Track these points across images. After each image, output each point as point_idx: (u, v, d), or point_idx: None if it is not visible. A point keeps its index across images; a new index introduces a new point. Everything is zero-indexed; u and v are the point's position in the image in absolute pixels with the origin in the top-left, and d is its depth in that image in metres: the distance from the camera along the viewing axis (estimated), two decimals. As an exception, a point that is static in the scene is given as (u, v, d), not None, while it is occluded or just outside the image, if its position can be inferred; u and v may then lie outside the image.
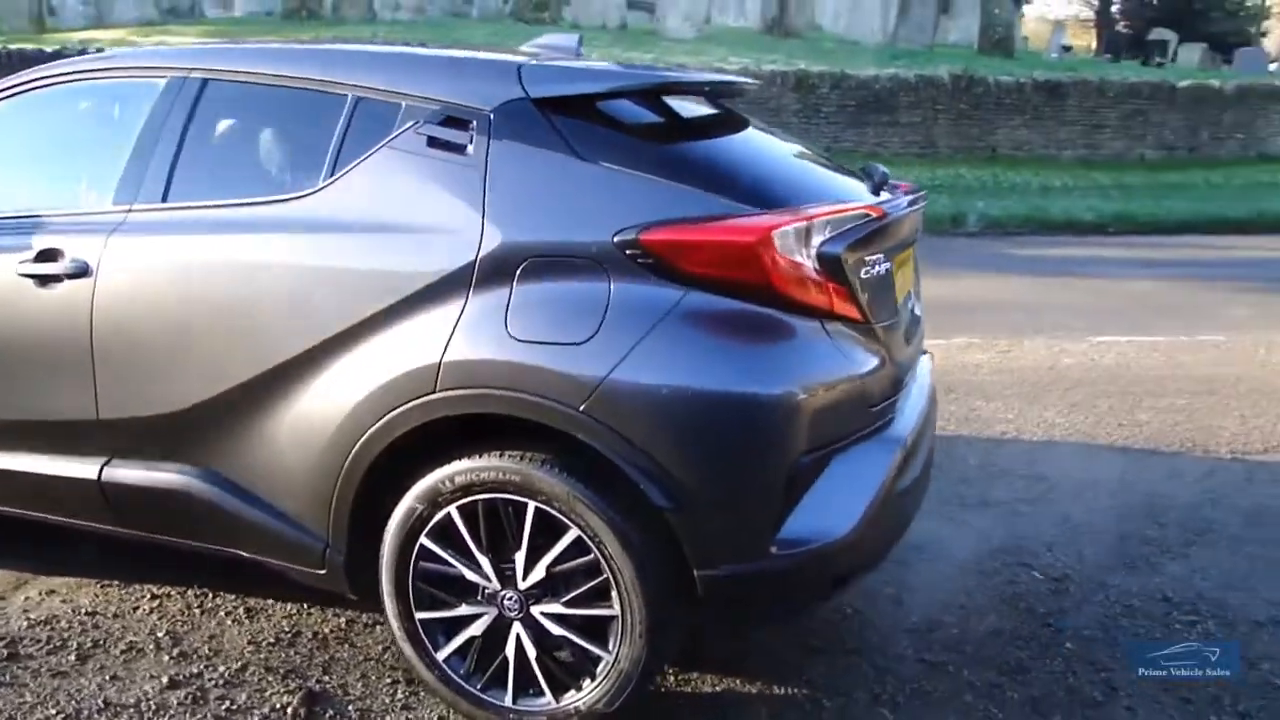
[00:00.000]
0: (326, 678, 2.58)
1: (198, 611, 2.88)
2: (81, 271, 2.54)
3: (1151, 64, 20.40)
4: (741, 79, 2.76)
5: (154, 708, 2.43)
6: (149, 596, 2.95)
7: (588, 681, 2.27)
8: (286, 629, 2.80)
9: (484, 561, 2.28)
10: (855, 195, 2.47)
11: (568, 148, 2.25)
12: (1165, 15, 32.48)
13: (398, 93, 2.38)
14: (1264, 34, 36.65)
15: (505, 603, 2.29)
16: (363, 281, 2.29)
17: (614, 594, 2.18)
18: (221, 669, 2.60)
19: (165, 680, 2.54)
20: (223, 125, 2.68)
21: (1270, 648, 2.83)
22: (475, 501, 2.25)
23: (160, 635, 2.75)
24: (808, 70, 13.70)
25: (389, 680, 2.57)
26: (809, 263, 2.16)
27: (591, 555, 2.18)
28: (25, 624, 2.78)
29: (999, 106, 14.22)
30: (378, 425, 2.25)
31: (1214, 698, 2.60)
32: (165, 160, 2.56)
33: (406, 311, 2.23)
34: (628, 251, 2.12)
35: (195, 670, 2.59)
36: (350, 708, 2.47)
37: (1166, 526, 3.60)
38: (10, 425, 2.74)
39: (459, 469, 2.24)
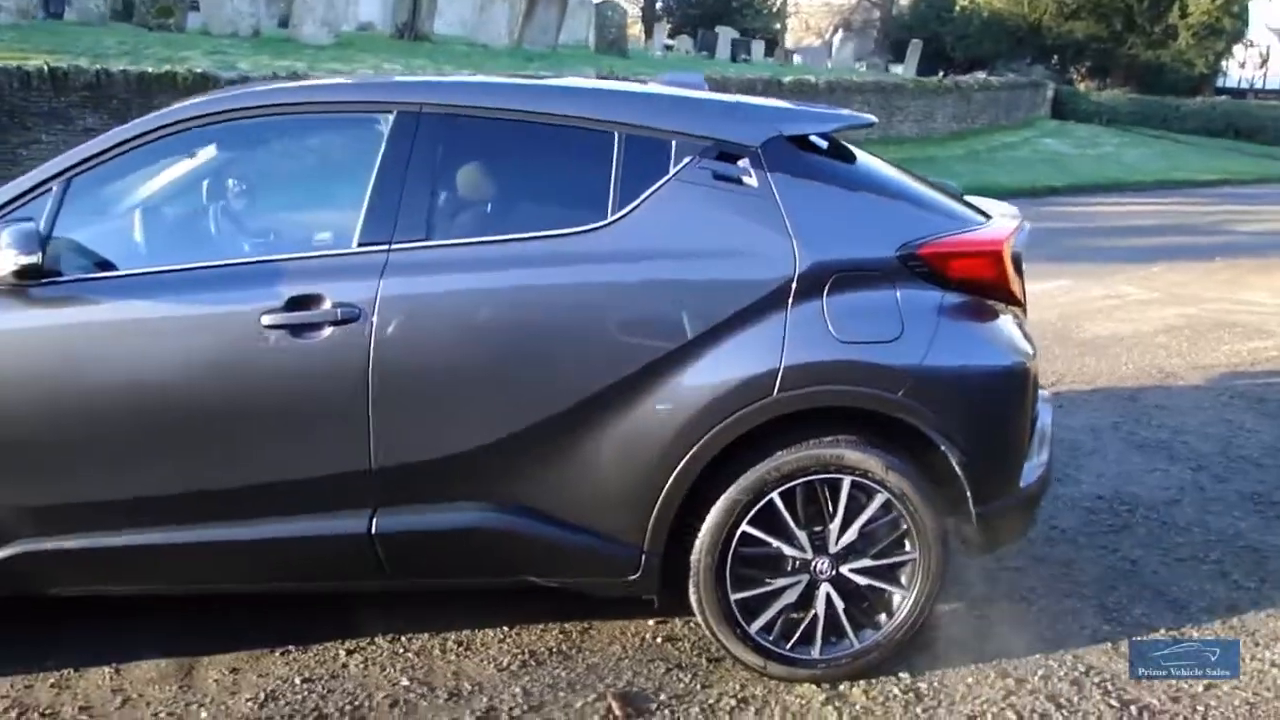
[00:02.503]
0: (612, 680, 2.76)
1: (411, 654, 2.85)
2: (352, 317, 2.46)
3: (740, 60, 23.18)
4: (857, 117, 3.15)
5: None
6: (343, 653, 2.85)
7: (884, 618, 2.75)
8: (513, 652, 2.88)
9: (801, 536, 2.66)
10: (987, 209, 3.11)
11: (826, 177, 2.70)
12: (706, 13, 36.44)
13: (666, 130, 2.64)
14: (782, 30, 42.13)
15: (817, 568, 2.68)
16: (681, 304, 2.54)
17: (913, 541, 2.69)
18: (505, 696, 2.67)
19: (476, 717, 2.58)
20: (474, 160, 2.69)
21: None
22: (795, 485, 2.62)
23: (406, 683, 2.72)
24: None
25: (663, 669, 2.81)
26: (1011, 264, 2.81)
27: (894, 513, 2.66)
28: (254, 707, 2.61)
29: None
30: (713, 432, 2.53)
31: None
32: (420, 197, 2.56)
33: (733, 327, 2.54)
34: (908, 263, 2.63)
35: (485, 703, 2.64)
36: (661, 695, 2.70)
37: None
38: (242, 492, 2.54)
39: (785, 459, 2.60)
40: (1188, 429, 5.06)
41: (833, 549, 2.68)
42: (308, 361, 2.46)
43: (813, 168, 2.71)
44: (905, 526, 2.68)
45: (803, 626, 2.72)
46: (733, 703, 2.69)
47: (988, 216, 2.89)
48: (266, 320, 2.45)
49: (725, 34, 25.36)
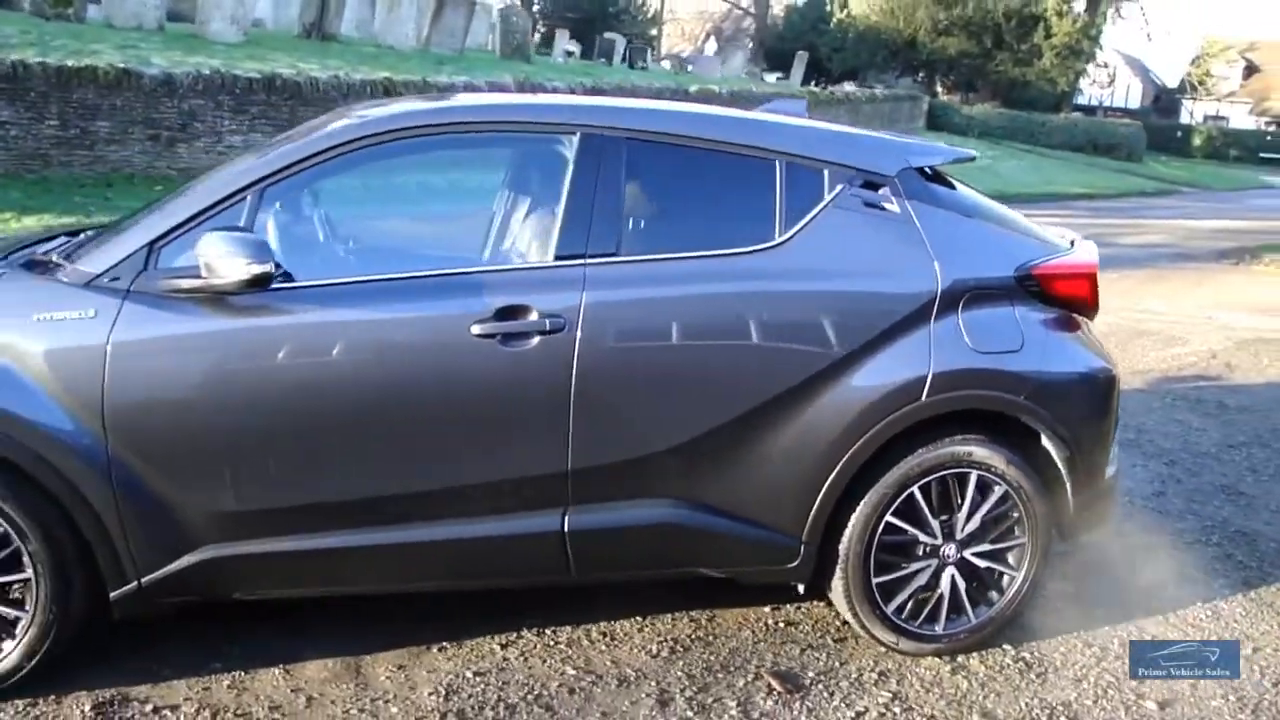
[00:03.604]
0: (756, 662, 3.00)
1: (563, 646, 3.02)
2: (558, 327, 2.62)
3: (638, 67, 23.53)
4: (963, 151, 3.51)
5: (646, 715, 2.70)
6: (497, 647, 2.99)
7: (996, 596, 3.08)
8: (657, 641, 3.08)
9: (934, 525, 2.97)
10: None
11: (949, 204, 3.03)
12: (583, 18, 36.60)
13: (820, 160, 2.91)
14: (659, 37, 42.71)
15: (944, 553, 3.00)
16: (843, 317, 2.81)
17: (1023, 528, 3.03)
18: (670, 680, 2.87)
19: (653, 700, 2.77)
20: (653, 181, 2.87)
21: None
22: (931, 480, 2.93)
23: (572, 672, 2.88)
24: (393, 79, 13.89)
25: (797, 649, 3.07)
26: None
27: (1010, 503, 3.00)
28: (438, 700, 2.72)
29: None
30: (871, 433, 2.81)
31: None
32: (608, 214, 2.73)
33: (887, 339, 2.83)
34: (1023, 282, 2.98)
35: (655, 687, 2.83)
36: (809, 672, 2.95)
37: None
38: (442, 493, 2.66)
39: (925, 457, 2.90)
40: (1148, 429, 5.62)
41: (958, 535, 3.00)
42: (515, 369, 2.61)
43: (937, 195, 3.03)
44: (1018, 515, 3.02)
45: (929, 605, 3.03)
46: (874, 676, 2.97)
47: (1071, 243, 3.26)
48: (476, 330, 2.58)
49: (619, 41, 25.68)
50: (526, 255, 2.81)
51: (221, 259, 2.42)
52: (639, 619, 3.19)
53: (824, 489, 2.83)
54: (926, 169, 3.10)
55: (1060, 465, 3.03)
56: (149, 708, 2.62)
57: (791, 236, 2.83)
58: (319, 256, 2.97)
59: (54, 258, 2.74)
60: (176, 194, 2.85)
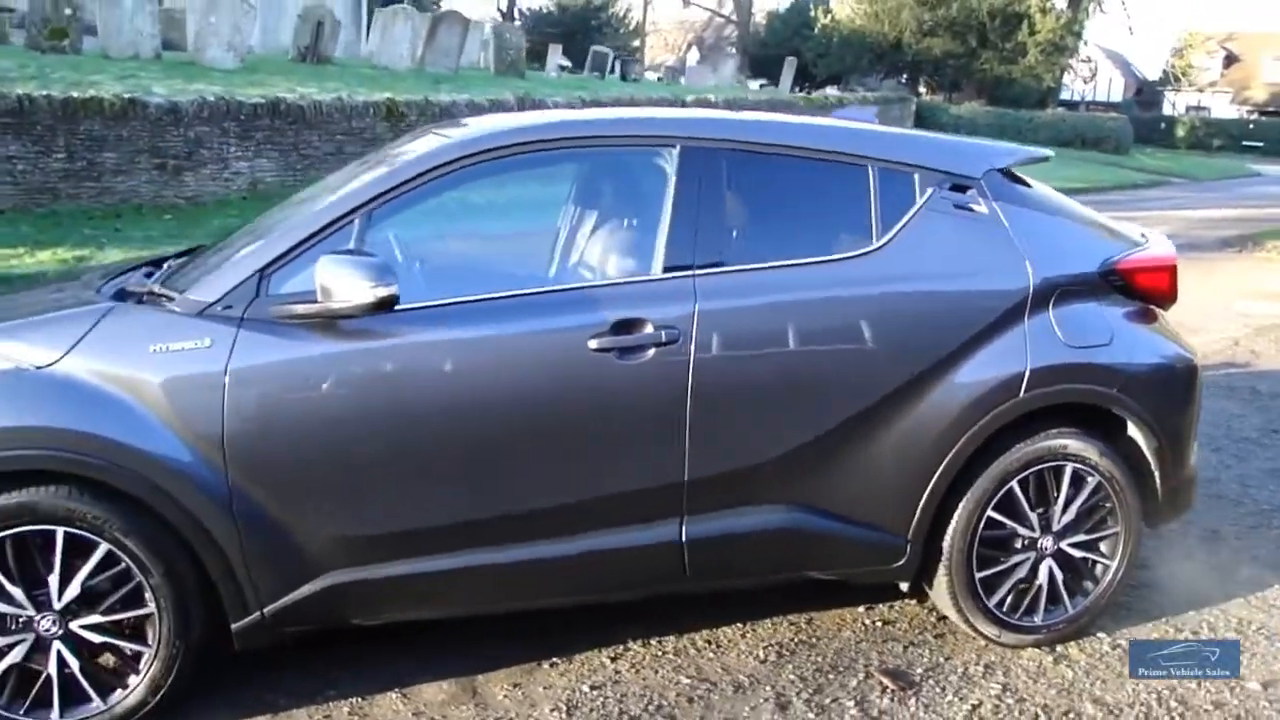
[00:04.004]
0: (862, 662, 3.03)
1: (670, 655, 3.04)
2: (674, 339, 2.65)
3: (630, 79, 23.63)
4: (1039, 151, 3.57)
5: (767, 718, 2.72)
6: (606, 660, 3.00)
7: (1091, 585, 3.12)
8: (761, 646, 3.10)
9: (1032, 518, 3.01)
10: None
11: (1032, 204, 3.08)
12: (565, 31, 36.73)
13: (909, 164, 2.95)
14: (641, 47, 42.87)
15: (1042, 545, 3.03)
16: (942, 318, 2.86)
17: (1115, 518, 3.07)
18: (784, 684, 2.89)
19: (772, 704, 2.80)
20: (752, 190, 2.91)
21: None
22: (1029, 474, 2.97)
23: (686, 681, 2.90)
24: (395, 99, 13.92)
25: (899, 646, 3.10)
26: None
27: (1103, 493, 3.04)
28: (563, 717, 2.74)
29: (559, 127, 15.79)
30: (974, 430, 2.86)
31: None
32: (711, 225, 2.77)
33: (985, 337, 2.87)
34: (1108, 277, 3.04)
35: (771, 691, 2.86)
36: (916, 669, 2.98)
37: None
38: (563, 509, 2.68)
39: (1024, 451, 2.94)
40: (1191, 414, 5.68)
41: (1055, 527, 3.04)
42: (632, 382, 2.64)
43: (1020, 195, 3.08)
44: (1110, 505, 3.06)
45: (1029, 597, 3.06)
46: (980, 669, 3.01)
47: (1143, 236, 3.31)
48: (594, 344, 2.61)
49: (609, 55, 25.78)
50: (632, 268, 2.84)
51: (344, 282, 2.43)
52: (740, 625, 3.21)
53: (929, 487, 2.87)
54: (1008, 170, 3.15)
55: (1149, 455, 3.08)
56: (275, 736, 2.64)
57: (888, 241, 2.88)
58: (426, 276, 2.99)
59: (154, 288, 2.74)
60: (278, 220, 2.88)
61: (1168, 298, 3.20)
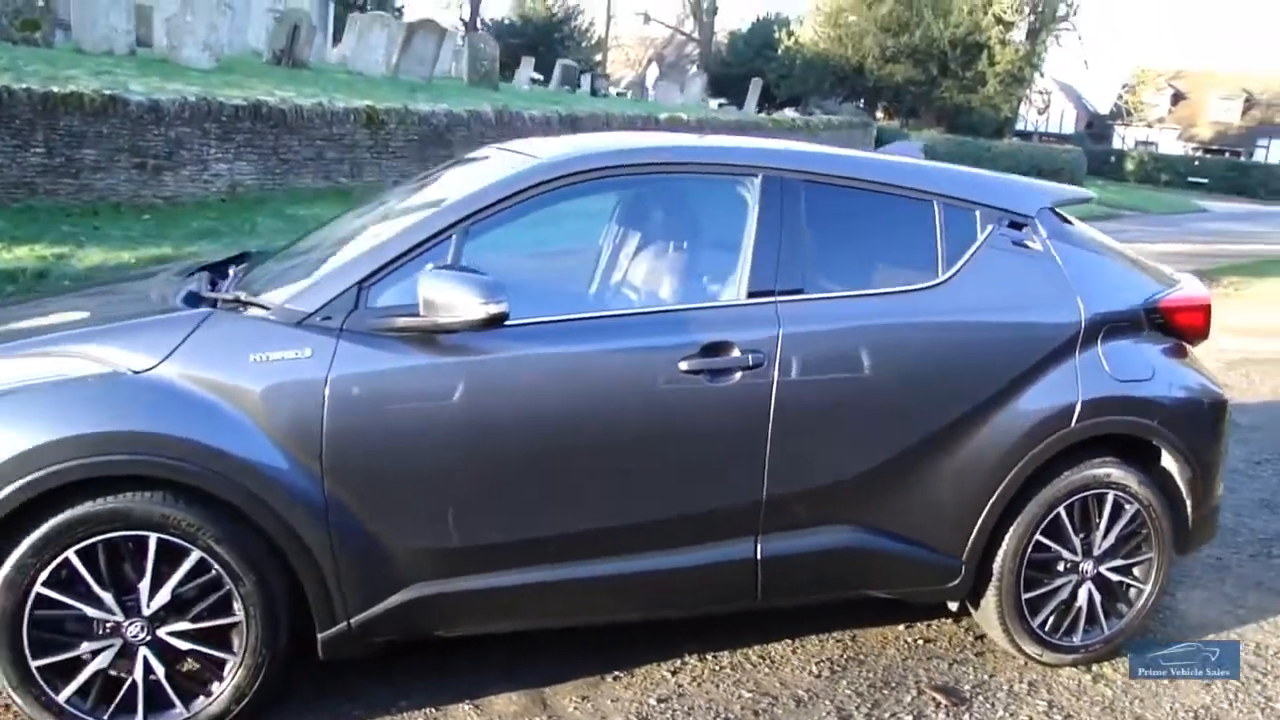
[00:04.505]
0: (912, 679, 3.14)
1: (727, 670, 3.11)
2: (759, 363, 2.75)
3: (601, 94, 23.77)
4: (1083, 191, 3.77)
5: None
6: (667, 674, 3.07)
7: (1125, 608, 3.27)
8: (813, 662, 3.20)
9: (1077, 543, 3.16)
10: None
11: (1079, 241, 3.24)
12: (527, 43, 36.74)
13: (971, 201, 3.10)
14: (603, 62, 43.02)
15: (1083, 569, 3.19)
16: (1002, 351, 3.01)
17: (1150, 544, 3.24)
18: (842, 699, 3.00)
19: (834, 717, 2.90)
20: (828, 220, 3.01)
21: None
22: (1075, 501, 3.13)
23: (747, 695, 2.99)
24: (375, 107, 13.88)
25: (944, 664, 3.23)
26: None
27: (1140, 520, 3.20)
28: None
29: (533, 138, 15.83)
30: (1028, 457, 3.00)
31: None
32: (791, 253, 2.87)
33: (1040, 370, 3.02)
34: (1149, 315, 3.21)
35: (831, 706, 2.96)
36: (964, 685, 3.11)
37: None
38: (645, 526, 2.76)
39: (1071, 479, 3.10)
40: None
41: (1096, 552, 3.19)
42: (718, 403, 2.73)
43: (1069, 234, 3.25)
44: (1146, 532, 3.22)
45: (1069, 618, 3.21)
46: (1024, 686, 3.14)
47: (1177, 278, 3.49)
48: (685, 365, 2.70)
49: (573, 68, 25.91)
50: (717, 292, 2.93)
51: (454, 298, 2.48)
52: (789, 641, 3.31)
53: (985, 511, 3.00)
54: (1055, 209, 3.31)
55: (1182, 485, 3.24)
56: (356, 747, 2.67)
57: (953, 275, 3.01)
58: (514, 294, 3.04)
59: (241, 296, 2.76)
60: (356, 233, 2.93)
61: (1201, 335, 3.38)
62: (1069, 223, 3.35)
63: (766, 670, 3.15)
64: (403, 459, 2.60)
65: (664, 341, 2.72)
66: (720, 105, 28.49)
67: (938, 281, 3.01)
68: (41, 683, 2.50)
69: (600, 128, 16.74)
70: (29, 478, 2.40)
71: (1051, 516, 3.11)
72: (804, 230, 2.92)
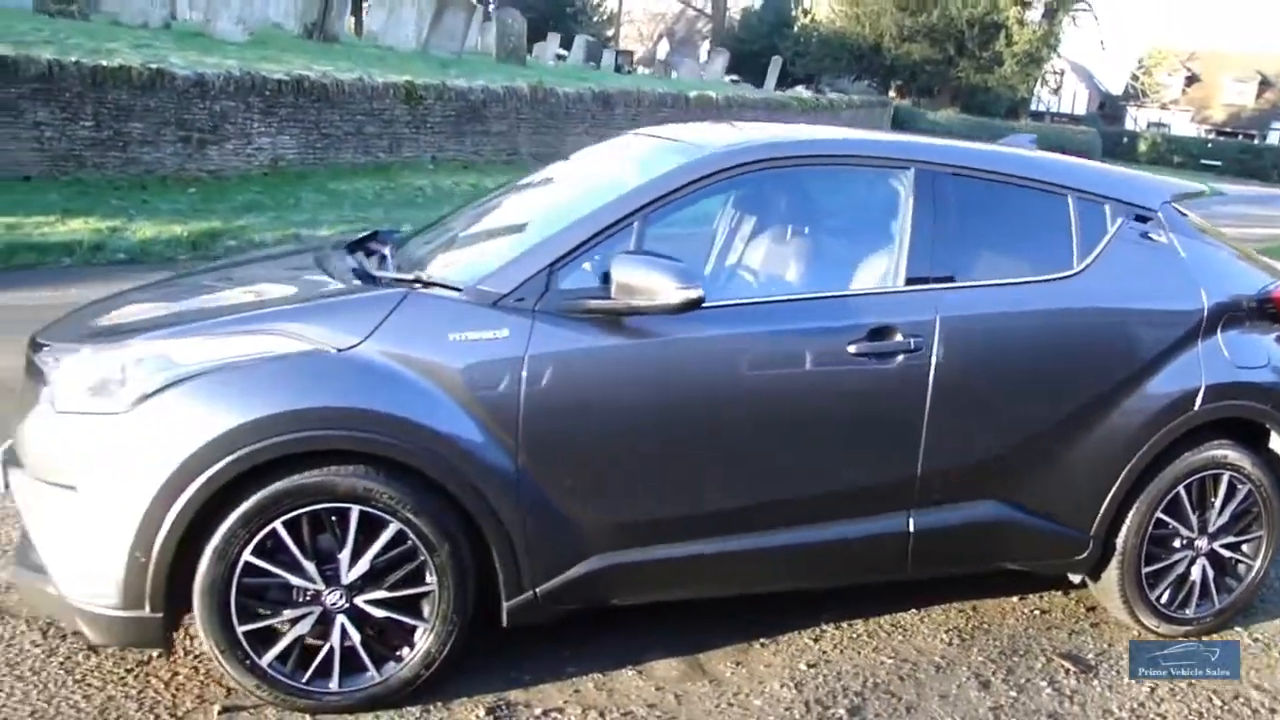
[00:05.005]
0: (1037, 648, 3.32)
1: (864, 638, 3.29)
2: (919, 346, 2.91)
3: (624, 71, 23.80)
4: (1195, 185, 3.92)
5: (976, 695, 3.01)
6: (810, 641, 3.24)
7: (1234, 583, 3.45)
8: (942, 631, 3.38)
9: (1194, 520, 3.33)
10: None
11: (1196, 235, 3.41)
12: (538, 17, 36.56)
13: (1101, 195, 3.26)
14: (615, 38, 42.90)
15: (1198, 546, 3.36)
16: (1134, 337, 3.19)
17: (1261, 523, 3.42)
18: (976, 665, 3.17)
19: (975, 682, 3.08)
20: (974, 212, 3.16)
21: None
22: (1193, 481, 3.31)
23: (888, 661, 3.16)
24: (414, 82, 13.95)
25: (1063, 633, 3.40)
26: None
27: (1252, 500, 3.38)
28: (793, 690, 2.98)
29: (567, 115, 15.95)
30: (1156, 438, 3.17)
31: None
32: (944, 241, 3.04)
33: (1168, 355, 3.20)
34: (1261, 304, 3.38)
35: (967, 672, 3.13)
36: (1088, 654, 3.28)
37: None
38: (810, 500, 2.93)
39: (1191, 460, 3.27)
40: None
41: (1210, 529, 3.36)
42: (881, 384, 2.91)
43: (1188, 226, 3.41)
44: (1257, 510, 3.40)
45: (1183, 592, 3.39)
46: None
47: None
48: (853, 349, 2.87)
49: (597, 44, 25.88)
50: (876, 279, 3.08)
51: (650, 282, 2.63)
52: (914, 611, 3.49)
53: (1114, 488, 3.18)
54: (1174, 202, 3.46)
55: None
56: (537, 711, 2.80)
57: (1088, 266, 3.18)
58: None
59: (423, 276, 2.84)
60: (549, 218, 3.05)
61: None
62: (1186, 216, 3.50)
63: (900, 638, 3.32)
64: (592, 435, 2.74)
65: (835, 324, 2.89)
66: (732, 82, 28.48)
67: (1074, 271, 3.17)
68: (246, 647, 2.62)
69: (631, 105, 16.84)
70: (241, 452, 2.50)
71: (1172, 495, 3.28)
72: (953, 221, 3.07)
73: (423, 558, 2.67)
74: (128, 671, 2.85)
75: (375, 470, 2.62)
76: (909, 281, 3.00)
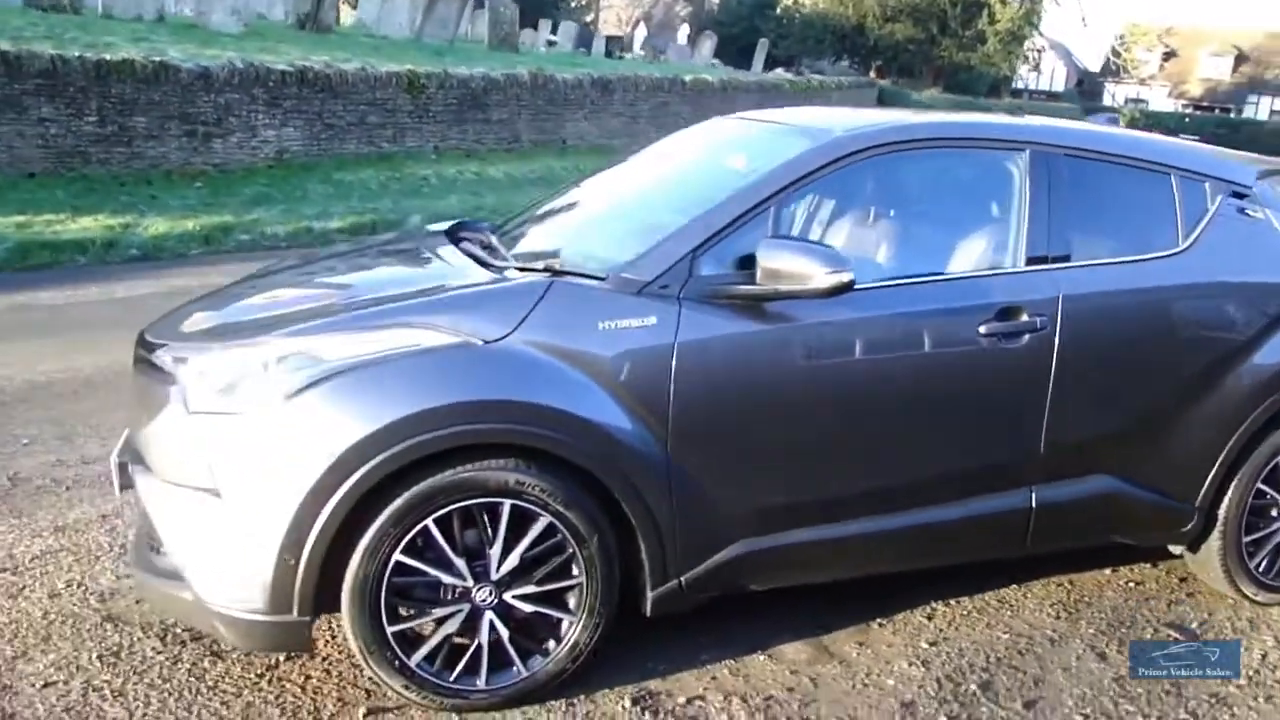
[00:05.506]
0: (1141, 621, 3.41)
1: (975, 614, 3.36)
2: (1044, 326, 2.98)
3: (615, 57, 23.73)
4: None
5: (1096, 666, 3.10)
6: (924, 619, 3.32)
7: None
8: (1049, 605, 3.46)
9: (1277, 496, 3.42)
10: None
11: None
12: (523, 4, 36.32)
13: (1202, 174, 3.35)
14: (595, 21, 42.65)
15: (1278, 521, 3.47)
16: (1237, 312, 3.29)
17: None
18: (1089, 636, 3.25)
19: (1092, 654, 3.17)
20: (1087, 192, 3.22)
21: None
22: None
23: (1005, 636, 3.23)
24: (415, 70, 13.87)
25: (1162, 604, 3.49)
26: None
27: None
28: (920, 667, 3.05)
29: (567, 101, 15.90)
30: (1258, 410, 3.27)
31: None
32: (1059, 222, 3.10)
33: (1269, 329, 3.29)
34: None
35: (1081, 645, 3.21)
36: (1192, 625, 3.38)
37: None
38: (941, 479, 2.99)
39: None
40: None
41: (1290, 508, 3.47)
42: (1008, 363, 2.98)
43: (1276, 202, 3.48)
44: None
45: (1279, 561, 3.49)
46: (1244, 623, 3.45)
47: None
48: (983, 329, 2.93)
49: (589, 31, 25.75)
50: (998, 260, 3.12)
51: (799, 267, 2.66)
52: (1015, 587, 3.56)
53: (1219, 460, 3.27)
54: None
55: None
56: (680, 699, 2.83)
57: (1192, 243, 3.27)
58: None
59: (554, 265, 2.81)
60: (683, 204, 3.04)
61: None
62: (1278, 191, 3.58)
63: (1009, 614, 3.40)
64: (739, 421, 2.76)
65: (967, 305, 2.95)
66: (713, 66, 28.45)
67: (1180, 249, 3.26)
68: (395, 647, 2.60)
69: (630, 90, 16.82)
70: (396, 448, 2.47)
71: (1270, 466, 3.37)
72: (1067, 201, 3.14)
73: (571, 550, 2.67)
74: (259, 676, 2.84)
75: (527, 463, 2.60)
76: (1029, 261, 3.07)
